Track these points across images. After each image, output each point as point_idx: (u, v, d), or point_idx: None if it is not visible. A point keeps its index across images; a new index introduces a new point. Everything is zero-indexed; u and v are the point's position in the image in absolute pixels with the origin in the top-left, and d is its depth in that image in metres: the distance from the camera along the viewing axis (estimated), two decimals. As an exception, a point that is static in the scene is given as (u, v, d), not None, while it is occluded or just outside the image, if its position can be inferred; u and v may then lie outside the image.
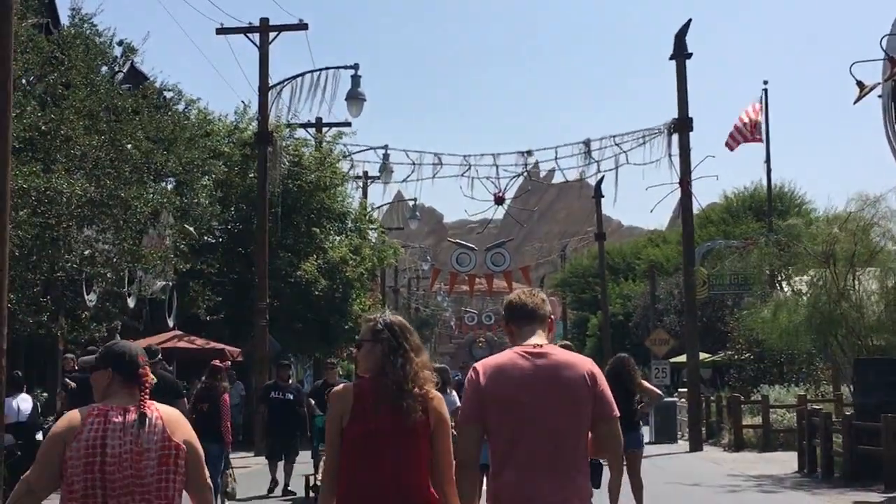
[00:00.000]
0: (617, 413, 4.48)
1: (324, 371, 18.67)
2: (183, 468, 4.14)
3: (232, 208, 31.05)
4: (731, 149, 32.97)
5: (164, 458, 4.08)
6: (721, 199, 55.63)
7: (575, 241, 65.62)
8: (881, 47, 15.88)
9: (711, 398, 29.79)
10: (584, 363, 4.49)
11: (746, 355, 29.51)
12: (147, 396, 4.18)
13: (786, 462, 20.97)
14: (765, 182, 39.56)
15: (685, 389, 32.58)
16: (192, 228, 27.35)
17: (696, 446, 25.23)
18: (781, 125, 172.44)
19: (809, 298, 19.36)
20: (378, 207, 45.21)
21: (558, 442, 4.33)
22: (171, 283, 26.84)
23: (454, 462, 4.45)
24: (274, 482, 15.83)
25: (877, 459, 16.61)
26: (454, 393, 12.09)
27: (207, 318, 27.71)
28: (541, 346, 4.52)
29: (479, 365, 4.55)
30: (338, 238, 31.61)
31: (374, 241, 37.14)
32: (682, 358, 36.52)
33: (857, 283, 19.10)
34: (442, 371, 11.02)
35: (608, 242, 61.51)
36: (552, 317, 4.79)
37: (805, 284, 22.85)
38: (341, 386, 4.76)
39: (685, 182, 25.89)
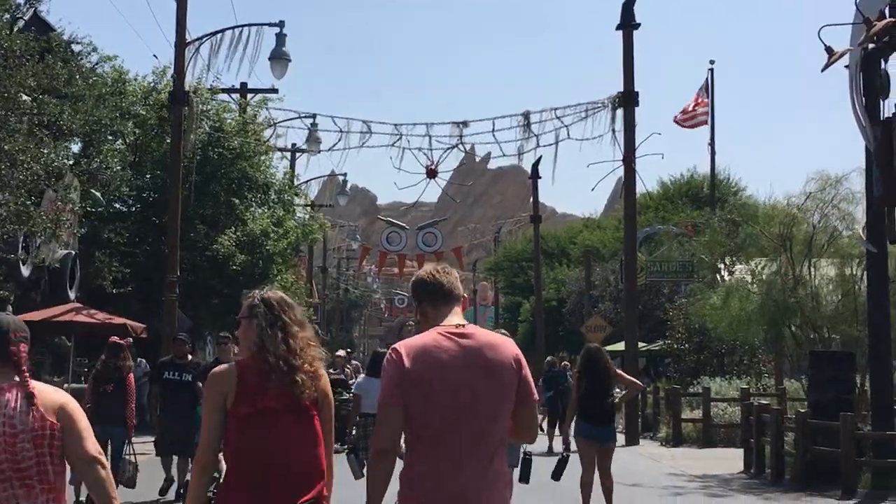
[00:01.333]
0: (536, 398, 4.45)
1: (216, 348, 16.65)
2: (60, 448, 3.93)
3: (147, 175, 29.03)
4: (681, 125, 31.81)
5: (38, 440, 3.88)
6: (658, 185, 54.46)
7: (510, 223, 64.10)
8: (856, 7, 14.42)
9: (648, 389, 28.42)
10: (509, 344, 4.39)
11: (685, 345, 28.18)
12: (27, 373, 3.97)
13: (730, 461, 19.58)
14: (701, 169, 38.58)
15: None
16: (98, 193, 25.32)
17: (632, 440, 23.84)
18: (726, 106, 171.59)
19: (763, 285, 17.91)
20: (306, 182, 43.43)
21: (484, 426, 4.19)
22: (73, 252, 24.72)
23: (372, 449, 4.26)
24: (168, 480, 13.54)
25: (833, 461, 15.27)
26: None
27: (114, 291, 25.71)
28: (463, 325, 4.36)
29: (400, 346, 4.33)
30: (259, 210, 29.62)
31: (299, 214, 35.31)
32: (619, 346, 35.27)
33: (813, 269, 17.72)
34: (378, 356, 10.81)
35: (543, 227, 60.00)
36: (465, 295, 4.01)
37: (749, 274, 21.54)
38: (223, 366, 4.61)
39: (629, 159, 24.41)
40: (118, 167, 27.18)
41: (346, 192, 43.78)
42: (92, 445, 4.01)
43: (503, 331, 12.51)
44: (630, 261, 24.95)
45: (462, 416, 4.16)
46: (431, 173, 25.79)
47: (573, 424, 11.84)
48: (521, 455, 11.20)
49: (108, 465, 4.11)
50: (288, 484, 4.33)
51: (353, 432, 12.21)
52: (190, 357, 13.71)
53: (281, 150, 40.61)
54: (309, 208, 48.62)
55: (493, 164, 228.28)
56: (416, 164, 26.04)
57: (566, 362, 27.27)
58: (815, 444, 15.66)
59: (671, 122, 31.50)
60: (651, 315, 36.10)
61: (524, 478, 11.21)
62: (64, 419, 3.94)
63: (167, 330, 23.36)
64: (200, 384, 12.60)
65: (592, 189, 26.41)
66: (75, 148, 25.69)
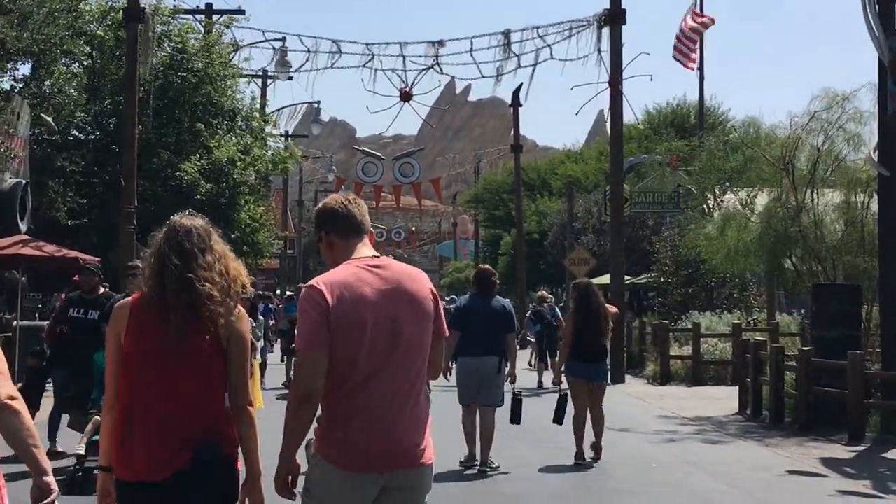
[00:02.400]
0: (448, 333, 4.41)
1: (123, 280, 14.37)
2: None
3: (106, 101, 27.38)
4: (685, 65, 30.27)
5: None
6: (643, 114, 52.86)
7: (490, 154, 62.50)
8: None
9: (633, 324, 27.25)
10: (424, 276, 4.25)
11: (673, 279, 26.92)
12: None
13: (722, 401, 18.45)
14: (688, 97, 37.03)
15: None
16: (50, 119, 23.69)
17: (617, 378, 22.56)
18: (717, 26, 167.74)
19: (763, 213, 16.54)
20: (278, 110, 41.71)
21: (412, 361, 4.04)
22: (23, 181, 23.14)
23: (294, 396, 3.94)
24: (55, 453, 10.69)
25: (838, 403, 14.10)
26: None
27: (69, 223, 24.22)
28: (377, 256, 4.17)
29: (319, 282, 4.00)
30: (226, 137, 27.99)
31: (271, 143, 33.74)
32: (603, 279, 34.10)
33: (816, 196, 16.35)
34: None
35: (523, 159, 58.31)
36: (371, 230, 4.32)
37: (739, 204, 20.25)
38: (121, 302, 4.18)
39: (616, 81, 22.87)
40: (73, 91, 25.59)
41: (319, 119, 42.00)
42: (4, 388, 3.65)
43: (487, 266, 12.08)
44: (616, 189, 23.55)
45: (389, 353, 3.98)
46: (406, 96, 24.22)
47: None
48: (512, 395, 10.95)
49: (23, 409, 3.70)
50: (177, 434, 3.90)
51: None
52: (103, 290, 11.46)
53: (250, 75, 39.08)
54: (283, 138, 47.22)
55: (472, 97, 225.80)
56: (390, 87, 24.49)
57: (551, 295, 26.26)
58: (818, 385, 14.44)
59: (659, 43, 29.87)
60: (636, 248, 34.85)
61: (516, 418, 11.03)
62: None
63: (125, 264, 21.96)
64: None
65: (577, 113, 25.08)
66: (25, 70, 24.09)
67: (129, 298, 4.14)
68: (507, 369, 10.87)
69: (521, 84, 40.92)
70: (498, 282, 11.51)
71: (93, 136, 27.07)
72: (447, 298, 45.00)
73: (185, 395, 3.92)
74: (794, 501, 9.84)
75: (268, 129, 33.34)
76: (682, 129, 47.20)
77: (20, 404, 3.71)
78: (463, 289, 60.26)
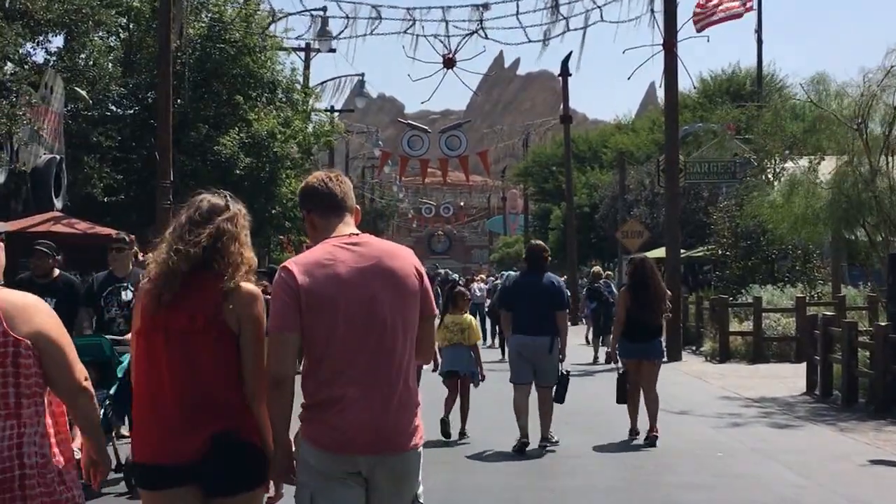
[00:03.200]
0: (437, 312, 4.26)
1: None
2: (32, 369, 3.56)
3: (143, 75, 26.64)
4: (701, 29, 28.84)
5: None
6: (697, 83, 51.34)
7: (539, 124, 61.29)
8: None
9: (690, 299, 26.12)
10: (409, 253, 4.11)
11: (731, 251, 25.70)
12: None
13: (787, 379, 17.36)
14: (745, 63, 35.48)
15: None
16: (84, 92, 23.00)
17: (674, 356, 21.52)
18: None
19: (834, 177, 15.33)
20: (321, 84, 40.88)
21: (393, 342, 3.90)
22: (58, 157, 22.52)
23: (267, 383, 3.85)
24: None
25: (917, 384, 13.00)
26: None
27: (105, 200, 23.57)
28: (357, 234, 4.06)
29: (290, 263, 3.99)
30: (265, 110, 27.12)
31: (314, 116, 32.91)
32: (657, 253, 33.00)
33: (891, 159, 15.13)
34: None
35: (573, 131, 56.98)
36: (357, 207, 4.23)
37: (800, 170, 19.07)
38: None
39: (671, 43, 21.69)
40: (109, 65, 24.91)
41: (364, 93, 41.05)
42: (78, 372, 3.71)
43: (539, 241, 11.80)
44: (672, 157, 22.39)
45: (368, 334, 3.89)
46: (449, 62, 23.21)
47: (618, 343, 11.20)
48: (560, 373, 10.67)
49: (94, 393, 3.79)
50: (192, 417, 3.83)
51: None
52: (58, 273, 10.35)
53: (292, 48, 38.33)
54: (328, 113, 46.44)
55: (521, 70, 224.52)
56: (433, 53, 23.50)
57: (609, 272, 25.59)
58: None
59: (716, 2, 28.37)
60: (690, 220, 33.60)
61: (560, 398, 10.75)
62: (43, 338, 3.60)
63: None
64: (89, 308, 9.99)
65: (629, 77, 23.83)
66: (58, 42, 23.41)
67: (146, 278, 4.03)
68: (558, 347, 10.53)
69: (571, 52, 39.74)
70: (549, 257, 11.13)
71: (130, 111, 26.36)
72: (496, 275, 44.11)
73: (193, 379, 3.85)
74: (885, 498, 8.76)
75: (312, 103, 32.55)
76: (737, 96, 45.76)
77: (91, 387, 3.78)
78: (512, 264, 59.41)
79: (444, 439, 10.98)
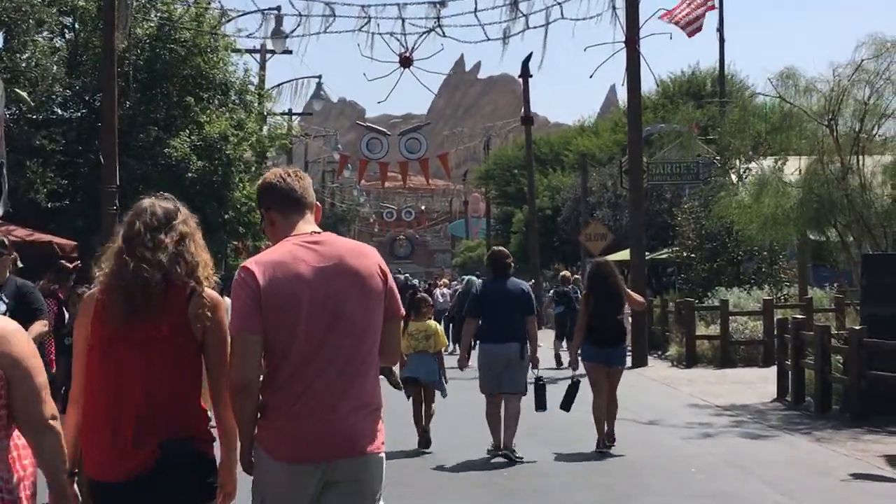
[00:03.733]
0: (402, 312, 4.06)
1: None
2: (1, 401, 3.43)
3: (90, 76, 25.71)
4: (690, 35, 28.22)
5: None
6: (657, 84, 50.92)
7: (500, 125, 60.66)
8: None
9: (654, 302, 25.57)
10: (373, 252, 3.99)
11: (696, 253, 25.16)
12: None
13: (756, 385, 16.81)
14: (705, 64, 34.92)
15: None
16: (24, 94, 22.10)
17: (640, 361, 21.03)
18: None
19: (805, 176, 14.77)
20: (278, 86, 40.01)
21: (357, 344, 3.79)
22: (1, 161, 21.60)
23: (230, 386, 3.77)
24: None
25: (894, 389, 12.46)
26: None
27: (49, 206, 22.64)
28: (318, 232, 3.92)
29: (251, 263, 3.86)
30: (217, 112, 26.25)
31: (270, 119, 32.10)
32: (620, 255, 32.48)
33: (862, 157, 14.60)
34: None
35: (535, 134, 56.31)
36: (318, 203, 4.07)
37: (768, 169, 18.55)
38: (91, 290, 3.96)
39: (633, 40, 21.13)
40: (53, 65, 24.01)
41: (321, 95, 40.22)
42: (45, 407, 3.55)
43: (501, 248, 11.66)
44: (635, 156, 21.81)
45: (331, 335, 3.76)
46: (406, 62, 22.50)
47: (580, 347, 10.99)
48: (535, 381, 10.54)
49: (61, 430, 3.62)
50: (148, 431, 3.66)
51: None
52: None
53: (246, 49, 37.49)
54: (287, 116, 45.52)
55: (482, 74, 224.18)
56: (389, 52, 22.75)
57: (577, 276, 25.24)
58: (871, 369, 12.77)
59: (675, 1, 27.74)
60: (653, 222, 33.10)
61: (541, 405, 10.56)
62: (15, 367, 3.46)
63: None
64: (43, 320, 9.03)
65: (591, 76, 23.26)
66: (-2, 43, 22.51)
67: (98, 288, 3.88)
68: (528, 354, 10.37)
69: (531, 53, 38.95)
70: (512, 263, 11.01)
71: (76, 114, 25.41)
72: (458, 279, 43.37)
73: (154, 389, 3.71)
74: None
75: (270, 106, 31.76)
76: (698, 97, 45.41)
77: (59, 425, 3.62)
78: (474, 268, 58.78)
79: (423, 450, 10.74)
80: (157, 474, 3.67)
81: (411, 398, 11.01)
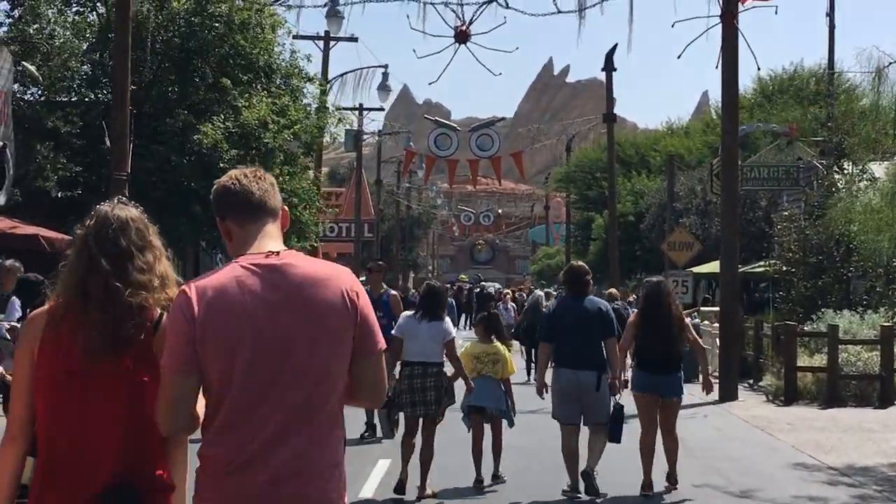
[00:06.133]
0: (383, 346, 3.27)
1: None
2: None
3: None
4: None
5: None
6: (754, 82, 47.24)
7: (579, 122, 57.27)
8: None
9: (747, 323, 22.14)
10: (342, 275, 3.22)
11: (798, 268, 21.70)
12: None
13: (876, 434, 13.54)
14: (806, 62, 31.18)
15: (708, 309, 25.15)
16: (33, 68, 19.64)
17: (728, 394, 17.73)
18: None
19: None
20: (341, 76, 37.41)
21: (311, 391, 3.14)
22: (3, 143, 19.13)
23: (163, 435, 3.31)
24: None
25: None
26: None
27: (58, 195, 20.13)
28: (276, 253, 3.21)
29: (191, 286, 3.22)
30: (258, 96, 23.48)
31: (335, 112, 29.49)
32: (708, 268, 29.14)
33: None
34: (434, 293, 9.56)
35: (620, 135, 53.04)
36: (284, 208, 3.41)
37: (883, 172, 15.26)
38: (37, 311, 3.46)
39: (729, 14, 17.82)
40: (73, 39, 21.58)
41: (387, 86, 37.66)
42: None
43: (580, 263, 10.82)
44: (730, 152, 18.47)
45: (278, 381, 3.13)
46: (462, 36, 19.42)
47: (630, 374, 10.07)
48: (612, 408, 9.70)
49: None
50: (95, 476, 3.24)
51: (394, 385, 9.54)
52: None
53: (308, 36, 35.09)
54: (357, 111, 42.96)
55: (571, 78, 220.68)
56: (442, 26, 19.73)
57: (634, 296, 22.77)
58: None
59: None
60: (746, 231, 29.65)
61: (615, 437, 9.74)
62: None
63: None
64: None
65: (679, 56, 20.22)
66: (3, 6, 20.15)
67: (45, 307, 3.41)
68: (608, 380, 9.66)
69: (616, 45, 35.72)
70: (591, 280, 10.25)
71: (99, 95, 22.87)
72: (540, 292, 39.85)
73: (110, 428, 3.27)
74: None
75: (334, 99, 29.18)
76: (800, 96, 41.71)
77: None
78: (553, 276, 55.54)
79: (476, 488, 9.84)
80: None
81: (471, 430, 10.07)
